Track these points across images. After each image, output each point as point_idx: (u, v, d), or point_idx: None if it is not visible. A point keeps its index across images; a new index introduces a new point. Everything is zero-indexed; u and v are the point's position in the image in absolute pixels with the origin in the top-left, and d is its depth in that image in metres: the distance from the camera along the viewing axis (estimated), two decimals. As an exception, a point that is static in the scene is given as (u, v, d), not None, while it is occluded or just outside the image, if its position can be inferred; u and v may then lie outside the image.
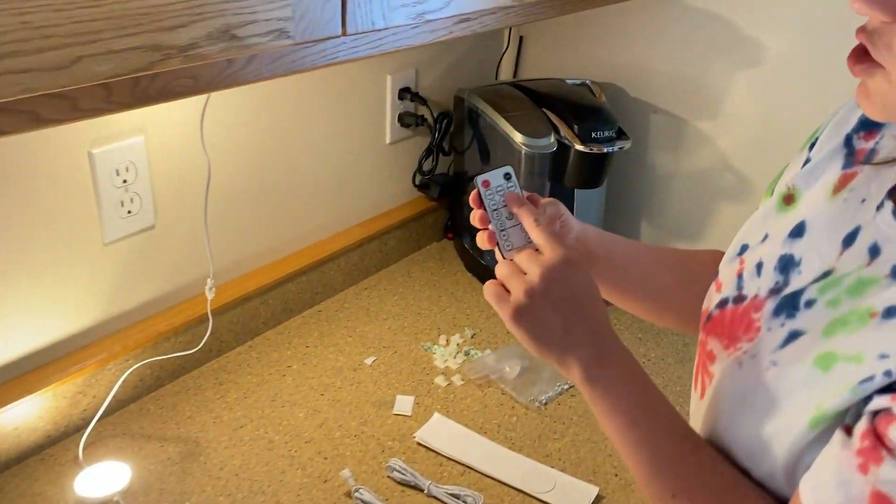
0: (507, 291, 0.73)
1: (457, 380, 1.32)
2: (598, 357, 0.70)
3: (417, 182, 1.68)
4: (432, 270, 1.66)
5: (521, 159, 1.45)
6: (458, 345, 1.41)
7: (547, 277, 0.71)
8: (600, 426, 0.75)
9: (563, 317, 0.71)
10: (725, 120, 1.56)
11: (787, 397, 0.62)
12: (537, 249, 0.77)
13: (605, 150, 1.43)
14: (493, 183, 0.81)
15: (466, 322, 1.48)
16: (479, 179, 0.81)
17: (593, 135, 1.43)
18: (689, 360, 1.41)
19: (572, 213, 1.59)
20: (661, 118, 1.64)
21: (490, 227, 0.81)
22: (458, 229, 1.71)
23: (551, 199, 0.89)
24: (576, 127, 1.44)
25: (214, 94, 1.23)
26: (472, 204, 0.82)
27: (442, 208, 1.74)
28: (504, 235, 0.80)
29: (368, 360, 1.36)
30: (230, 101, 1.26)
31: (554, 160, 1.45)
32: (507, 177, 0.82)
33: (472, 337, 1.43)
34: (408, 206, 1.70)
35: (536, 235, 0.76)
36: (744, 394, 0.66)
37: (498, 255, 0.80)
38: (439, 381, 1.31)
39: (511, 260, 0.76)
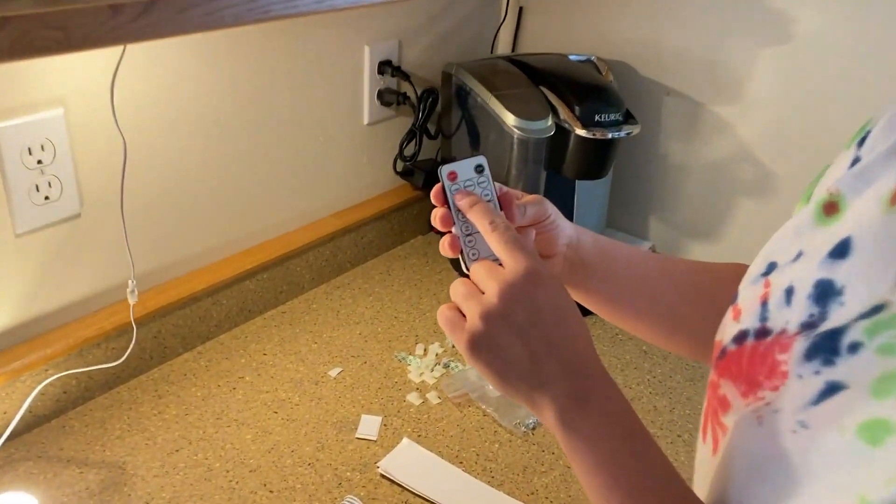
0: (464, 316, 0.58)
1: (432, 397, 1.15)
2: (575, 396, 0.55)
3: (399, 169, 1.50)
4: (415, 268, 1.49)
5: (513, 144, 1.27)
6: (437, 355, 1.24)
7: (506, 296, 0.57)
8: (575, 474, 0.58)
9: (529, 345, 0.56)
10: (747, 105, 1.37)
11: (819, 475, 0.45)
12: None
13: (610, 135, 1.24)
14: (462, 175, 0.65)
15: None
16: (445, 170, 0.65)
17: (597, 118, 1.25)
18: (702, 379, 1.23)
19: (571, 208, 1.42)
20: (674, 101, 1.45)
21: (453, 230, 0.64)
22: (444, 222, 1.53)
23: (535, 196, 0.71)
24: (577, 108, 1.25)
25: (143, 56, 1.05)
26: (433, 200, 0.67)
27: (427, 198, 1.55)
28: (469, 242, 0.64)
29: (333, 372, 1.19)
30: (168, 64, 1.09)
31: (551, 146, 1.27)
32: (479, 169, 0.66)
33: (453, 346, 1.26)
34: (388, 195, 1.52)
35: (493, 242, 0.62)
36: (762, 460, 0.49)
37: (463, 267, 0.63)
38: (412, 398, 1.14)
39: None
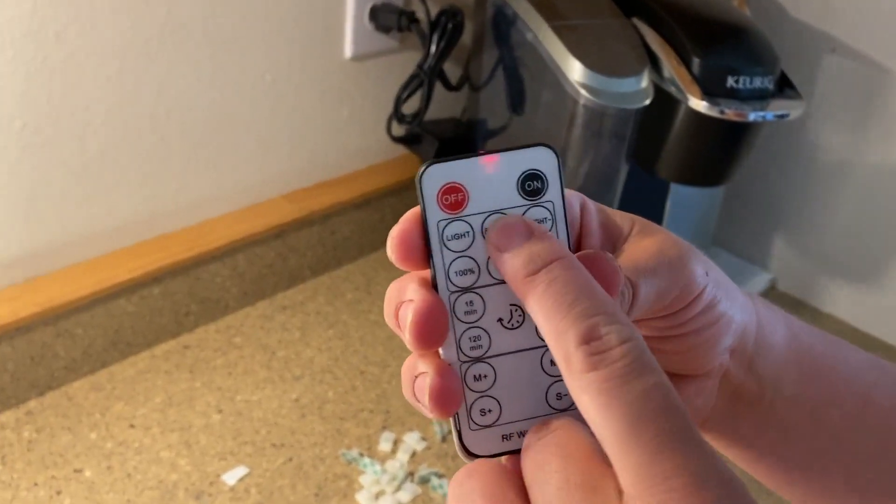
0: None
1: (389, 551, 0.66)
2: None
3: (397, 132, 0.98)
4: (408, 284, 0.98)
5: (576, 115, 0.74)
6: (413, 455, 0.74)
7: None
8: None
9: None
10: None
11: None
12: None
13: (752, 115, 0.71)
14: (477, 198, 0.26)
15: (441, 402, 0.81)
16: (430, 176, 0.26)
17: (731, 82, 0.71)
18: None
19: (659, 219, 0.90)
20: (841, 63, 0.90)
21: (435, 281, 0.26)
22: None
23: (659, 242, 0.29)
24: (697, 62, 0.72)
25: None
26: (399, 246, 0.26)
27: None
28: (468, 311, 0.26)
29: (232, 476, 0.71)
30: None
31: (643, 124, 0.74)
32: (533, 185, 0.26)
33: (443, 440, 0.76)
34: (378, 170, 1.01)
35: (578, 387, 0.22)
36: None
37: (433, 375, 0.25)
38: (354, 549, 0.66)
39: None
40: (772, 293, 1.04)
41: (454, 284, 0.26)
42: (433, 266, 0.26)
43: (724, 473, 0.21)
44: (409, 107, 0.94)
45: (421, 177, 0.26)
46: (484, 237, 0.26)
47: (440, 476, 0.72)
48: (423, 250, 0.26)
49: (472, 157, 0.26)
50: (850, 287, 0.99)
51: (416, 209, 0.26)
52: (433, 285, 0.26)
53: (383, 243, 0.88)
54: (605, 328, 0.22)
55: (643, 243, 0.29)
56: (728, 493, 0.21)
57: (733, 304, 0.31)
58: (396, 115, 0.92)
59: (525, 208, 0.26)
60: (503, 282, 0.26)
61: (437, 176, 0.26)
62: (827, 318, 1.01)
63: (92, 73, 0.72)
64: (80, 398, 0.77)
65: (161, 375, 0.81)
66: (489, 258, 0.26)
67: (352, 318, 0.92)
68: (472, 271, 0.26)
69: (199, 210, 0.86)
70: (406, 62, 0.95)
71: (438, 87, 0.93)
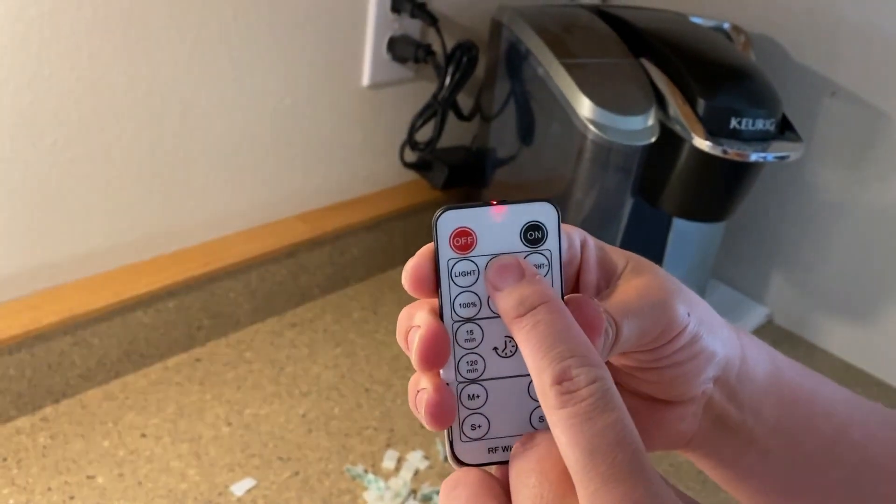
0: None
1: (391, 565, 0.68)
2: None
3: (410, 158, 1.01)
4: (414, 305, 1.01)
5: (584, 149, 0.77)
6: (416, 473, 0.76)
7: None
8: None
9: None
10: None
11: None
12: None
13: (754, 156, 0.74)
14: (485, 241, 0.30)
15: (444, 423, 0.83)
16: (445, 221, 0.30)
17: (734, 123, 0.74)
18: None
19: (661, 252, 0.92)
20: (841, 106, 0.93)
21: (441, 310, 0.30)
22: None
23: (646, 283, 0.33)
24: (702, 103, 0.75)
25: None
26: (414, 280, 0.31)
27: (448, 204, 1.07)
28: (468, 340, 0.30)
29: (240, 487, 0.73)
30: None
31: (649, 160, 0.77)
32: (534, 235, 0.30)
33: (445, 459, 0.79)
34: (389, 194, 1.04)
35: (558, 423, 0.26)
36: None
37: (429, 390, 0.30)
38: (356, 563, 0.68)
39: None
40: (768, 327, 1.07)
41: (458, 315, 0.29)
42: (441, 297, 0.29)
43: (665, 501, 0.24)
44: (422, 134, 0.97)
45: (437, 220, 0.29)
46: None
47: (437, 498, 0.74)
48: (433, 282, 0.30)
49: (483, 205, 0.29)
50: (844, 324, 1.01)
51: (430, 246, 0.30)
52: (439, 314, 0.29)
53: (391, 265, 0.91)
54: (576, 370, 0.26)
55: (632, 283, 0.32)
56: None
57: (715, 339, 0.34)
58: (410, 142, 0.95)
59: (525, 254, 0.29)
60: (500, 316, 0.29)
61: (451, 220, 0.29)
62: (821, 354, 1.03)
63: (122, 94, 0.75)
64: (94, 406, 0.79)
65: (173, 387, 0.83)
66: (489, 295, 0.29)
67: (358, 336, 0.94)
68: (474, 304, 0.30)
69: (216, 227, 0.89)
70: (420, 92, 0.98)
71: (451, 117, 0.96)
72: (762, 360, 0.36)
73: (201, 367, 0.86)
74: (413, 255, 0.30)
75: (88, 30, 0.70)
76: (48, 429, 0.76)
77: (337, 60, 0.91)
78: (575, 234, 0.32)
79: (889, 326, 0.97)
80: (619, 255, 0.33)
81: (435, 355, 0.29)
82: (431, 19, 0.90)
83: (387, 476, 0.76)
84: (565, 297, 0.29)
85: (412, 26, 0.93)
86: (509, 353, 0.30)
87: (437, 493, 0.74)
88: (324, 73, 0.90)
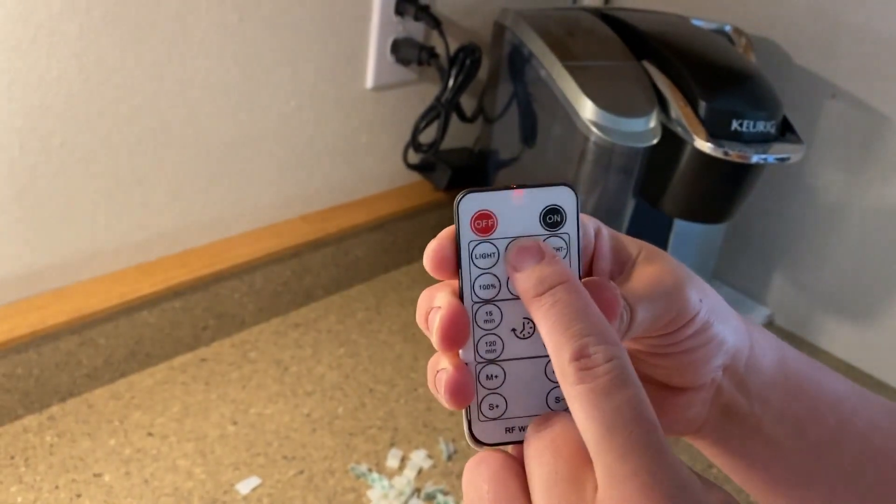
0: None
1: (395, 563, 0.69)
2: None
3: (413, 160, 1.02)
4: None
5: (586, 151, 0.78)
6: (419, 472, 0.77)
7: None
8: None
9: None
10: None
11: None
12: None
13: (755, 157, 0.74)
14: (505, 224, 0.30)
15: (448, 421, 0.84)
16: (466, 204, 0.30)
17: (735, 125, 0.75)
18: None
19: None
20: (842, 108, 0.94)
21: (461, 292, 0.30)
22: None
23: (659, 271, 0.33)
24: (703, 105, 0.76)
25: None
26: (434, 261, 0.31)
27: (450, 205, 1.07)
28: (487, 320, 0.30)
29: (245, 485, 0.74)
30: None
31: (651, 162, 0.78)
32: (553, 219, 0.30)
33: (448, 458, 0.79)
34: (393, 195, 1.04)
35: (576, 400, 0.27)
36: None
37: (455, 369, 0.30)
38: (360, 561, 0.68)
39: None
40: (769, 328, 1.07)
41: (477, 296, 0.30)
42: (461, 278, 0.30)
43: (680, 479, 0.25)
44: (426, 136, 0.98)
45: (459, 202, 0.30)
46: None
47: (445, 493, 0.75)
48: (453, 263, 0.30)
49: (504, 189, 0.30)
50: (845, 325, 1.02)
51: (451, 228, 0.30)
52: (459, 295, 0.30)
53: (395, 265, 0.92)
54: (593, 347, 0.26)
55: (646, 270, 0.33)
56: (678, 494, 0.24)
57: (726, 328, 0.34)
58: (413, 143, 0.96)
59: (544, 237, 0.30)
60: (518, 298, 0.29)
61: (472, 203, 0.30)
62: (822, 355, 1.04)
63: (129, 96, 0.76)
64: (101, 405, 0.80)
65: (178, 386, 0.84)
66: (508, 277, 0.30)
67: (362, 336, 0.95)
68: (493, 286, 0.30)
69: (221, 228, 0.90)
70: (424, 94, 0.99)
71: (454, 119, 0.96)
72: (770, 350, 0.37)
73: (206, 366, 0.87)
74: (415, 254, 0.31)
75: (97, 33, 0.71)
76: (55, 427, 0.77)
77: (341, 63, 0.91)
78: (589, 223, 0.33)
79: (890, 327, 0.98)
80: (632, 244, 0.34)
81: (456, 334, 0.29)
82: (435, 22, 0.91)
83: (391, 475, 0.76)
84: (583, 280, 0.30)
85: (416, 29, 0.94)
86: (527, 335, 0.30)
87: (441, 491, 0.75)
88: (328, 76, 0.91)
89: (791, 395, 0.37)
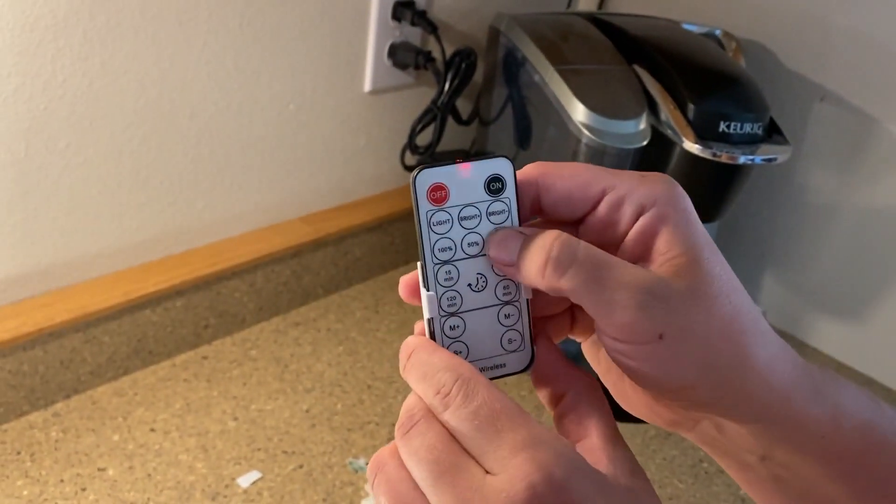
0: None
1: (391, 554, 0.70)
2: None
3: (410, 161, 1.04)
4: (415, 307, 1.03)
5: (579, 151, 0.80)
6: (416, 466, 0.79)
7: None
8: None
9: None
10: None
11: None
12: None
13: (742, 158, 0.76)
14: (456, 194, 0.35)
15: (444, 418, 0.85)
16: (423, 178, 0.34)
17: (723, 127, 0.77)
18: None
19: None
20: (831, 111, 0.96)
21: (423, 260, 0.35)
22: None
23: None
24: (692, 108, 0.78)
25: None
26: (407, 287, 0.37)
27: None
28: (450, 302, 0.35)
29: (245, 479, 0.75)
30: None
31: (641, 164, 0.80)
32: (495, 185, 0.35)
33: (444, 453, 0.81)
34: (391, 196, 1.06)
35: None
36: None
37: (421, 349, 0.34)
38: (358, 551, 0.70)
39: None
40: (761, 326, 1.09)
41: (437, 258, 0.34)
42: (422, 245, 0.34)
43: (552, 439, 0.29)
44: (422, 138, 1.00)
45: (415, 178, 0.34)
46: (460, 224, 0.34)
47: (441, 486, 0.77)
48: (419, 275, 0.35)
49: (452, 163, 0.34)
50: (835, 323, 1.03)
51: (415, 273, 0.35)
52: (421, 259, 0.34)
53: (393, 265, 0.94)
54: (443, 378, 0.32)
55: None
56: (557, 457, 0.28)
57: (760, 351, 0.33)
58: (410, 145, 0.98)
59: (489, 203, 0.34)
60: (472, 256, 0.34)
61: (427, 177, 0.34)
62: (813, 353, 1.05)
63: (132, 99, 0.78)
64: (104, 402, 0.82)
65: (180, 383, 0.86)
66: (462, 239, 0.34)
67: (360, 335, 0.97)
68: (450, 249, 0.34)
69: (222, 228, 0.92)
70: (420, 97, 1.01)
71: (450, 121, 0.98)
72: (788, 359, 0.34)
73: (208, 364, 0.89)
74: (413, 255, 0.34)
75: (101, 38, 0.73)
76: (60, 423, 0.79)
77: (340, 67, 0.93)
78: (529, 186, 0.34)
79: (880, 325, 1.00)
80: (681, 247, 0.33)
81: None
82: (431, 27, 0.93)
83: (388, 469, 0.78)
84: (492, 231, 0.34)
85: (412, 34, 0.96)
86: (481, 288, 0.35)
87: (437, 485, 0.77)
88: (327, 80, 0.93)
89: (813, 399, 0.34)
